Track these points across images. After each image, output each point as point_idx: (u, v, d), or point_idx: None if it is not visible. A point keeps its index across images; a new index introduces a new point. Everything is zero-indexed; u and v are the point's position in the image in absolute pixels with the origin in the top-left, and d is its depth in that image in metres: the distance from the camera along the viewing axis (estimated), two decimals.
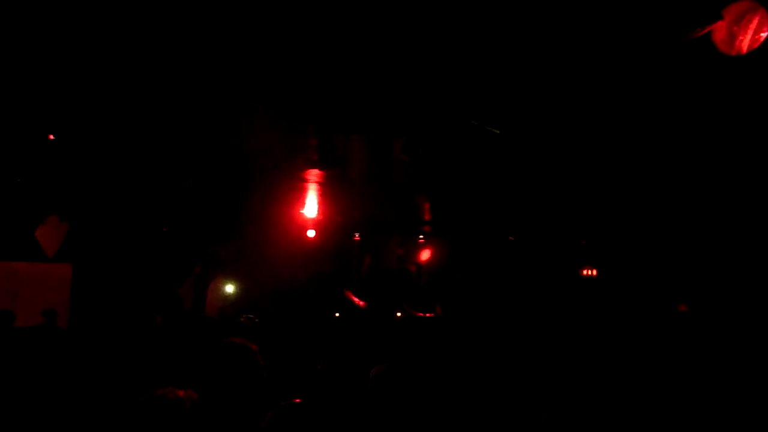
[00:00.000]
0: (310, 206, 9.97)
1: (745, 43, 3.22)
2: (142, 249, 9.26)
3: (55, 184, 7.52)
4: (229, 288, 9.81)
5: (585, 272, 10.69)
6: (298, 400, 2.40)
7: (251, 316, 5.32)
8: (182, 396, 2.29)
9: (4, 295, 8.46)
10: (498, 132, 5.85)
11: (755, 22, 3.19)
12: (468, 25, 4.36)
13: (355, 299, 9.95)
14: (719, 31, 3.26)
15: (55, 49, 4.19)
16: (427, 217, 11.45)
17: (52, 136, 5.21)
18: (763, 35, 3.20)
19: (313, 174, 8.94)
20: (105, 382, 4.12)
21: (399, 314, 10.01)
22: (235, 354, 3.01)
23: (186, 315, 9.54)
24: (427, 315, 10.44)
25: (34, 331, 7.00)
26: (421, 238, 12.01)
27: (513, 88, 5.40)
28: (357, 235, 11.39)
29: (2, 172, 6.52)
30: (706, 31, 3.29)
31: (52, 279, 9.09)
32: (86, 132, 5.55)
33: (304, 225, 10.23)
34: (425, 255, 11.57)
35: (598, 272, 10.66)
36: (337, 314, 10.07)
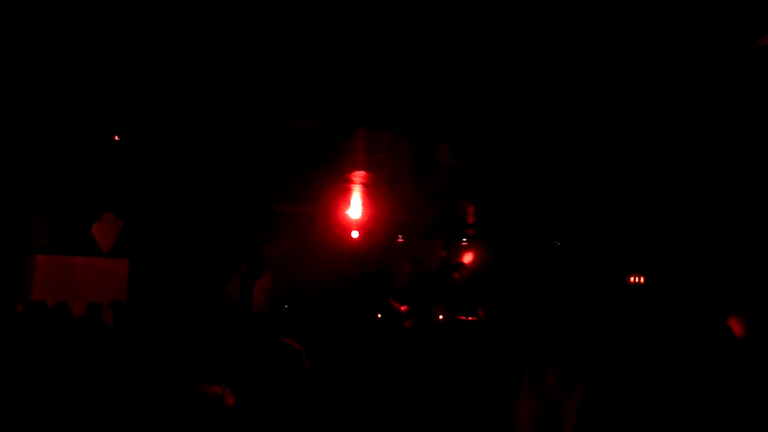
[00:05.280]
0: (355, 207, 10.07)
1: None
2: (194, 246, 9.52)
3: (116, 182, 7.81)
4: (276, 286, 10.00)
5: (632, 279, 10.49)
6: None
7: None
8: (219, 392, 2.24)
9: (63, 289, 8.79)
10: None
11: None
12: (522, 31, 4.35)
13: (396, 305, 9.99)
14: None
15: (126, 55, 4.36)
16: (472, 219, 11.42)
17: (117, 137, 5.42)
18: None
19: (359, 175, 9.04)
20: (156, 377, 4.18)
21: (441, 317, 9.99)
22: (281, 354, 3.05)
23: (232, 312, 9.73)
24: (470, 318, 10.40)
25: (80, 323, 7.21)
26: (464, 241, 11.98)
27: (564, 93, 5.36)
28: (400, 237, 11.43)
29: (70, 170, 6.83)
30: None
31: (109, 274, 9.41)
32: (148, 133, 5.75)
33: (349, 226, 10.33)
34: (468, 258, 11.53)
35: (645, 279, 10.44)
36: (379, 315, 10.12)
